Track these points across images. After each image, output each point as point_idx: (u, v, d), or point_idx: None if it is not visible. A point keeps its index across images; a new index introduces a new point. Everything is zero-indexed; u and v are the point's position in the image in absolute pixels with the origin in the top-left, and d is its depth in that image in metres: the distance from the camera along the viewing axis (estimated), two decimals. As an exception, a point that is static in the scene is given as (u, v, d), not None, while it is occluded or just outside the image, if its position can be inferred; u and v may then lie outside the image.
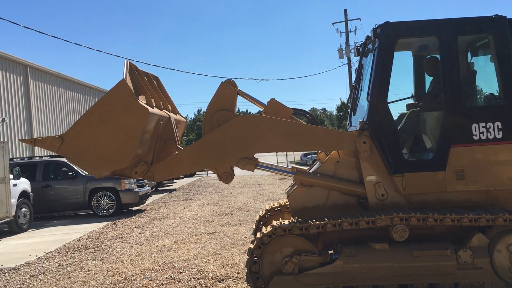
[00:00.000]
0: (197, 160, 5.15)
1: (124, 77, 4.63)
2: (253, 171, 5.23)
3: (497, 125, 4.81)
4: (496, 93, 5.10)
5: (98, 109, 4.66)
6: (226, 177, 5.25)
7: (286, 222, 4.86)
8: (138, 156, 4.92)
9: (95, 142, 4.64)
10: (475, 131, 4.83)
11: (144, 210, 14.18)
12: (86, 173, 13.14)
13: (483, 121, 4.83)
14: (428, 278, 4.70)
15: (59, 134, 4.72)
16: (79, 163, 4.86)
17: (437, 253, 4.67)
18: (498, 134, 4.81)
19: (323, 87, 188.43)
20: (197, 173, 33.61)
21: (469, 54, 5.59)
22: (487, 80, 5.33)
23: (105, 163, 4.70)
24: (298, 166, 5.57)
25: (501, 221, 4.62)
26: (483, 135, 4.83)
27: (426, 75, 6.03)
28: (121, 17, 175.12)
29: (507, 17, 4.98)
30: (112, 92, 4.63)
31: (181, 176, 26.59)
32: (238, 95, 5.42)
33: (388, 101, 5.00)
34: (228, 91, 5.33)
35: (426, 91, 5.94)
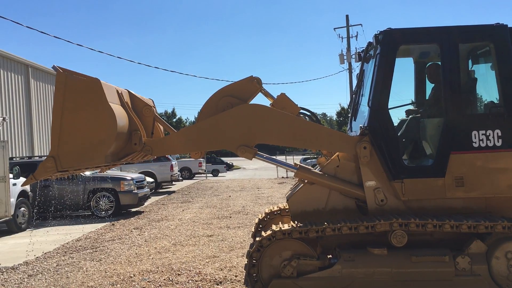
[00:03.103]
0: (196, 140, 5.15)
1: (56, 69, 4.58)
2: (251, 159, 5.25)
3: (497, 133, 4.84)
4: (496, 101, 5.13)
5: (59, 111, 4.57)
6: (196, 152, 5.34)
7: (286, 225, 4.88)
8: (124, 132, 4.83)
9: (78, 136, 4.58)
10: (475, 138, 4.86)
11: (143, 211, 14.18)
12: (86, 173, 13.15)
13: (483, 128, 4.85)
14: (426, 284, 4.71)
15: (52, 150, 4.61)
16: (82, 164, 4.71)
17: (435, 259, 4.68)
18: (498, 141, 4.84)
19: (324, 92, 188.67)
20: (196, 175, 33.61)
21: (470, 61, 5.62)
22: (487, 88, 5.37)
23: (99, 146, 4.58)
24: (301, 164, 5.58)
25: (500, 229, 4.64)
26: (483, 143, 4.85)
27: (427, 82, 6.07)
28: (123, 19, 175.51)
29: (508, 26, 5.02)
30: (56, 89, 4.57)
31: (180, 178, 26.60)
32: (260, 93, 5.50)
33: (389, 107, 5.03)
34: (251, 87, 5.40)
35: (426, 98, 5.98)
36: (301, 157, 39.08)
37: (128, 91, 5.38)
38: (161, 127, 5.74)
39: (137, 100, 5.43)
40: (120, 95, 4.99)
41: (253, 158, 5.25)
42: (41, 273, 7.04)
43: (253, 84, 5.40)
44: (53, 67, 4.73)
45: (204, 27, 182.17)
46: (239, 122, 5.05)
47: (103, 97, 4.56)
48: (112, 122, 4.55)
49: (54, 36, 20.05)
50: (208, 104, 5.43)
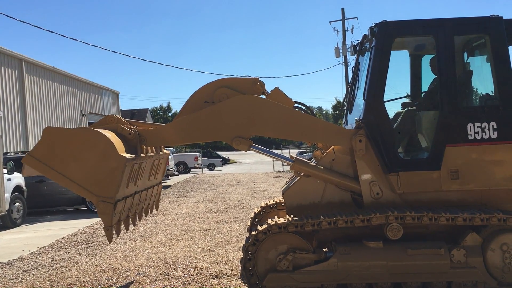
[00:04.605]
0: (191, 131, 5.14)
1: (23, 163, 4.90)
2: (246, 151, 5.22)
3: (492, 125, 4.83)
4: (491, 94, 5.12)
5: (59, 176, 4.69)
6: None
7: (282, 219, 4.87)
8: (112, 134, 4.84)
9: (89, 169, 4.64)
10: (470, 131, 4.85)
11: (139, 206, 14.13)
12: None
13: (478, 121, 4.85)
14: (421, 276, 4.72)
15: (93, 200, 4.71)
16: (117, 178, 4.61)
17: (431, 251, 4.69)
18: (493, 134, 4.83)
19: (320, 86, 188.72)
20: (192, 170, 33.59)
21: (465, 54, 5.60)
22: (482, 80, 5.36)
23: (108, 154, 4.61)
24: (297, 156, 5.56)
25: (495, 221, 4.64)
26: (478, 135, 4.84)
27: (422, 75, 6.06)
28: (118, 13, 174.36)
29: (504, 18, 5.00)
30: (38, 169, 4.77)
31: (176, 173, 26.58)
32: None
33: (385, 100, 5.01)
34: (254, 89, 5.42)
35: (423, 90, 5.98)
36: (297, 150, 39.11)
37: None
38: (143, 127, 5.72)
39: (96, 123, 5.41)
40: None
41: (249, 152, 5.24)
42: (36, 269, 7.01)
43: (256, 87, 5.41)
44: (22, 169, 4.99)
45: (199, 21, 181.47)
46: (235, 113, 5.03)
47: (64, 130, 4.78)
48: (92, 132, 4.67)
49: (47, 30, 19.99)
50: (203, 89, 5.40)
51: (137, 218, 5.83)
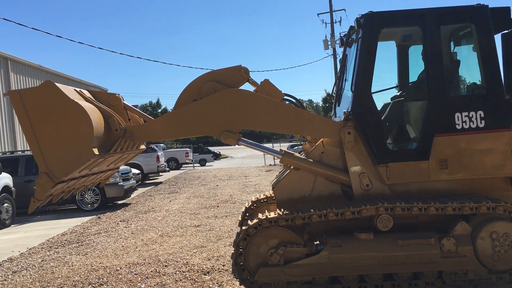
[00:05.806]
0: (179, 126, 5.09)
1: (8, 94, 4.67)
2: (234, 145, 5.19)
3: (480, 114, 4.84)
4: (478, 83, 5.12)
5: (29, 129, 4.56)
6: None
7: (272, 213, 4.84)
8: (100, 121, 4.76)
9: (58, 143, 4.53)
10: (458, 120, 4.85)
11: (130, 203, 14.07)
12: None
13: (465, 110, 4.85)
14: (412, 266, 4.73)
15: (40, 167, 4.57)
16: (74, 166, 4.55)
17: (421, 242, 4.69)
18: (481, 123, 4.84)
19: (310, 78, 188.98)
20: (183, 165, 33.47)
21: (452, 43, 5.60)
22: (469, 69, 5.36)
23: (81, 141, 4.50)
24: (286, 150, 5.54)
25: (484, 209, 4.66)
26: (466, 124, 4.85)
27: (410, 65, 6.05)
28: (105, 10, 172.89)
29: (489, 6, 4.99)
30: (17, 111, 4.59)
31: (167, 169, 26.45)
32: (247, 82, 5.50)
33: (372, 91, 4.99)
34: (239, 76, 5.41)
35: (410, 81, 5.97)
36: (288, 144, 39.14)
37: (88, 90, 5.33)
38: (137, 116, 5.64)
39: (100, 94, 5.36)
40: (79, 92, 4.97)
41: (240, 146, 5.21)
42: (26, 269, 6.94)
43: (241, 74, 5.40)
44: (5, 94, 4.73)
45: (188, 16, 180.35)
46: (223, 107, 4.99)
47: (63, 95, 4.55)
48: (83, 114, 4.52)
49: (32, 28, 19.70)
50: (190, 87, 5.39)
51: (71, 194, 5.70)
